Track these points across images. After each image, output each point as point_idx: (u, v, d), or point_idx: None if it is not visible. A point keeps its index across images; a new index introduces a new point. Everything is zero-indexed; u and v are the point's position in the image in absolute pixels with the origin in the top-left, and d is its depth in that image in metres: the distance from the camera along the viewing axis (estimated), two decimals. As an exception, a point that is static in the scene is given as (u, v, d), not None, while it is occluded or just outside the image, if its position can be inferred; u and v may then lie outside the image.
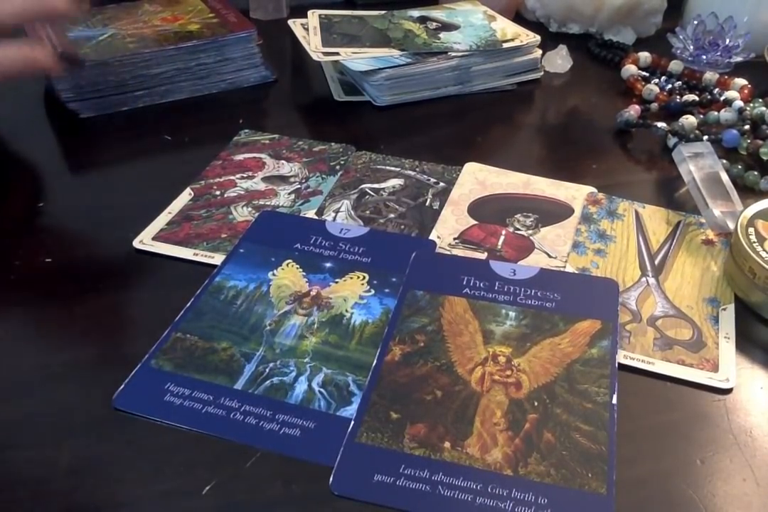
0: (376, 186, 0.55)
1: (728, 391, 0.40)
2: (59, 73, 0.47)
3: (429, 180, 0.56)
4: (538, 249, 0.49)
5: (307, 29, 0.68)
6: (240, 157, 0.58)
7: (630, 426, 0.38)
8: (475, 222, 0.52)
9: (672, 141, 0.60)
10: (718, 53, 0.71)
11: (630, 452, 0.37)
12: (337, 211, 0.53)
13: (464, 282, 0.45)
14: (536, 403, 0.38)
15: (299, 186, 0.55)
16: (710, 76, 0.69)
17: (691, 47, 0.72)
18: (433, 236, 0.50)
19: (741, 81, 0.67)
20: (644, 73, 0.71)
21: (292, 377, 0.40)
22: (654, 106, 0.65)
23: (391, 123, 0.64)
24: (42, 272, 0.47)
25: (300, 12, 0.73)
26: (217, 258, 0.47)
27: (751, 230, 0.46)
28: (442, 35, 0.68)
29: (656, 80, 0.70)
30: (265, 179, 0.56)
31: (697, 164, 0.53)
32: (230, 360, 0.41)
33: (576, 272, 0.47)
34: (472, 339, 0.42)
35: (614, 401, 0.38)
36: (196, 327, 0.42)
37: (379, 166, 0.57)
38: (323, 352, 0.41)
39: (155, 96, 0.65)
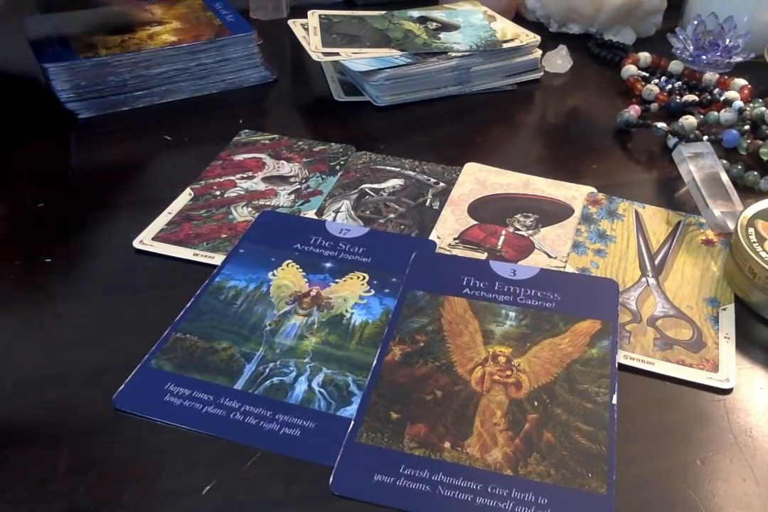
0: (376, 186, 0.55)
1: (728, 391, 0.40)
2: None
3: (429, 180, 0.56)
4: (538, 249, 0.49)
5: (307, 29, 0.68)
6: (240, 157, 0.58)
7: (630, 426, 0.38)
8: (475, 222, 0.52)
9: (672, 141, 0.60)
10: (718, 53, 0.71)
11: (630, 452, 0.37)
12: (337, 211, 0.52)
13: (464, 283, 0.45)
14: (536, 403, 0.38)
15: (299, 186, 0.55)
16: (710, 76, 0.68)
17: (691, 47, 0.72)
18: (433, 236, 0.50)
19: (741, 81, 0.67)
20: (644, 73, 0.71)
21: (292, 377, 0.40)
22: (654, 106, 0.65)
23: (391, 123, 0.64)
24: (42, 272, 0.47)
25: (300, 12, 0.73)
26: (217, 259, 0.47)
27: (751, 230, 0.46)
28: (442, 35, 0.68)
29: (656, 80, 0.70)
30: (265, 179, 0.56)
31: (697, 164, 0.53)
32: (230, 360, 0.41)
33: (576, 272, 0.47)
34: (472, 340, 0.42)
35: (614, 401, 0.38)
36: (196, 327, 0.42)
37: (379, 166, 0.57)
38: (323, 352, 0.41)
39: (155, 96, 0.65)
